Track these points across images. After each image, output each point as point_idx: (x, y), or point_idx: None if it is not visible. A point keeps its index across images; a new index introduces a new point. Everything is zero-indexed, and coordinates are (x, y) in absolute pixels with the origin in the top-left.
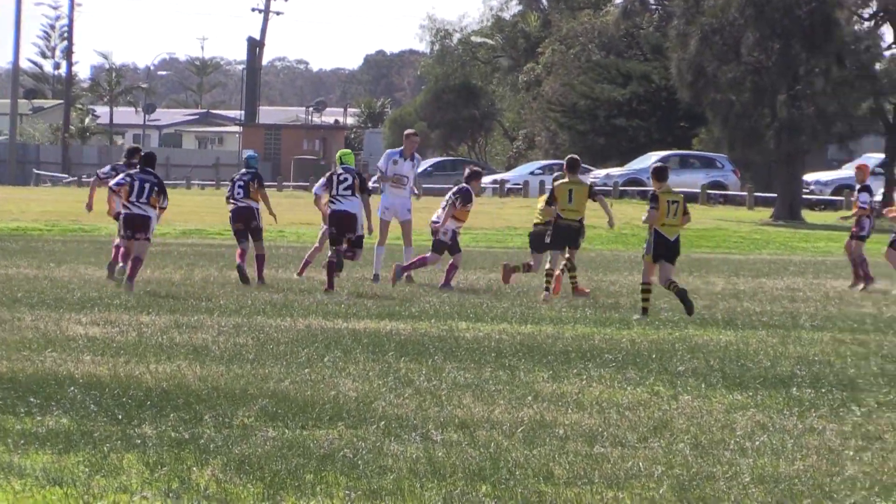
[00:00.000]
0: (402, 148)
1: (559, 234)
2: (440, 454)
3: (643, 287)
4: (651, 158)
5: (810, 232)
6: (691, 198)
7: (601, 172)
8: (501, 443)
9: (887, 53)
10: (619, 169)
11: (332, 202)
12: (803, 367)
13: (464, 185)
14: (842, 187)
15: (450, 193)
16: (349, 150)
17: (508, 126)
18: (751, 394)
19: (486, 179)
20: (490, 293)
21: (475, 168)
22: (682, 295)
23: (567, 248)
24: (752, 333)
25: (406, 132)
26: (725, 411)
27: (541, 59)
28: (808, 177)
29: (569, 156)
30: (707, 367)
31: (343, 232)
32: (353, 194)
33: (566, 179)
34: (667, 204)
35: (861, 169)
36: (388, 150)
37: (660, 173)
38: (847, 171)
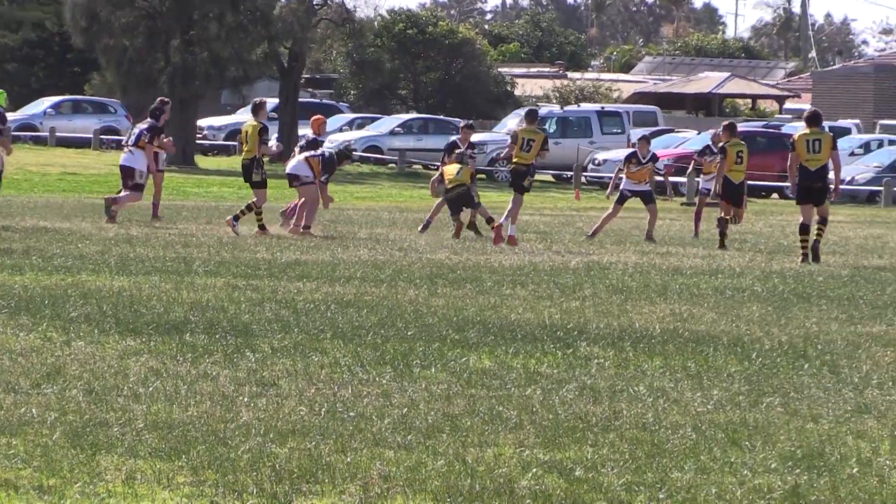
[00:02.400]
0: None
1: None
2: None
3: None
4: (44, 104)
5: (203, 177)
6: (84, 143)
7: None
8: None
9: None
10: (11, 114)
11: None
12: (197, 313)
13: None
14: (235, 132)
15: None
16: (2, 91)
17: None
18: (144, 340)
19: None
20: None
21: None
22: None
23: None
24: (145, 279)
25: None
26: (119, 357)
27: None
28: (202, 122)
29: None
30: (100, 312)
31: None
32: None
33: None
34: None
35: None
36: None
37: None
38: (240, 116)
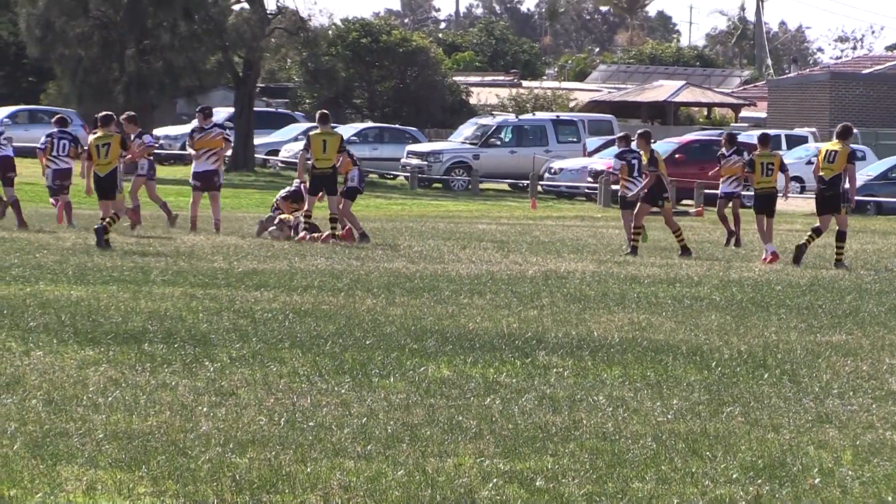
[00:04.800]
0: None
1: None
2: None
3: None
4: (0, 114)
5: (160, 187)
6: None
7: None
8: None
9: (236, 7)
10: None
11: (54, 161)
12: (155, 323)
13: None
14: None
15: None
16: (65, 117)
17: None
18: (103, 349)
19: None
20: None
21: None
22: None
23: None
24: (103, 289)
25: None
26: (78, 367)
27: None
28: (158, 131)
29: (321, 111)
30: (59, 322)
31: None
32: (68, 155)
33: (319, 130)
34: (96, 148)
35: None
36: None
37: (104, 120)
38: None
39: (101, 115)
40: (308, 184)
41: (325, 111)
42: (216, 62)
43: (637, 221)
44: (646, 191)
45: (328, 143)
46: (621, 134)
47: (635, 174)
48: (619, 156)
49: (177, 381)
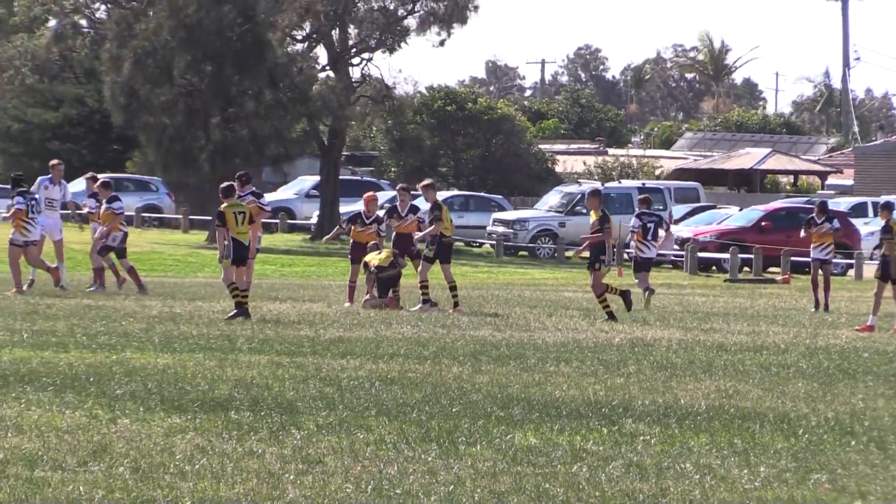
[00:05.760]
0: (51, 175)
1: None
2: None
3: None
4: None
5: None
6: (126, 221)
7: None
8: None
9: (321, 75)
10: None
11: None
12: (242, 390)
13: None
14: (277, 210)
15: None
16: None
17: None
18: (189, 417)
19: None
20: None
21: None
22: None
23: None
24: (189, 356)
25: (52, 163)
26: (164, 435)
27: None
28: None
29: (427, 181)
30: (145, 390)
31: None
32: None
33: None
34: (234, 215)
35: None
36: (40, 178)
37: (226, 191)
38: (282, 194)
39: (222, 186)
40: (433, 252)
41: (432, 180)
42: (301, 130)
43: (597, 291)
44: (591, 250)
45: (444, 211)
46: (642, 196)
47: (649, 237)
48: (637, 216)
49: (263, 449)
